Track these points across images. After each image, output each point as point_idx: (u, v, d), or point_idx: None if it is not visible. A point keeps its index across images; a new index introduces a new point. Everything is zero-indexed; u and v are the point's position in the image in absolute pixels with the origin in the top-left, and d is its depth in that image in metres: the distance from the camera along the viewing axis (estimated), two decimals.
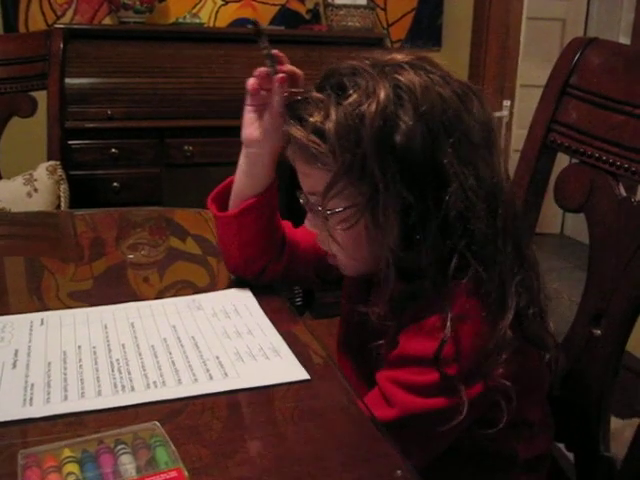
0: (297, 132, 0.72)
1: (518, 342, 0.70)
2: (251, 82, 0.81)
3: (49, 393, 0.65)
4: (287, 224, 0.95)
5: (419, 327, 0.70)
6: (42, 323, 0.80)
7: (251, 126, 0.84)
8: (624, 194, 0.85)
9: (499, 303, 0.70)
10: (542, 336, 0.76)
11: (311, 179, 0.75)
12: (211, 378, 0.68)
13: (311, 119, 0.70)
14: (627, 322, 0.82)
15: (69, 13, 2.51)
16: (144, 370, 0.69)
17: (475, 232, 0.69)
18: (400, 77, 0.69)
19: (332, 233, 0.75)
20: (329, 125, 0.69)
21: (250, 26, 0.82)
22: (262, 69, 0.80)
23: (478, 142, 0.71)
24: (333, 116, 0.69)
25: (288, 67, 0.81)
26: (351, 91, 0.69)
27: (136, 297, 0.90)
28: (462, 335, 0.68)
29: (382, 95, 0.68)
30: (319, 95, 0.71)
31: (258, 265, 0.90)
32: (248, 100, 0.84)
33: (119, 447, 0.54)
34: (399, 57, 0.72)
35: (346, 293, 0.90)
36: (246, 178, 0.87)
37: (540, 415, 0.81)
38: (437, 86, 0.70)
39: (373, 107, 0.67)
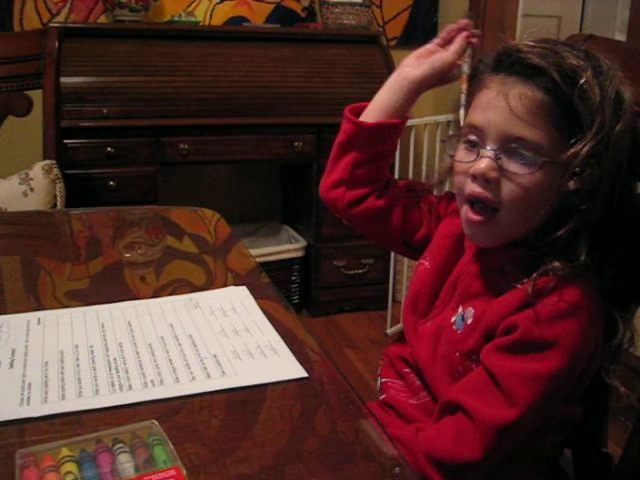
0: (559, 81, 0.70)
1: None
2: (465, 34, 0.91)
3: (46, 392, 0.65)
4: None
5: (542, 311, 0.70)
6: (39, 322, 0.80)
7: (428, 50, 0.88)
8: None
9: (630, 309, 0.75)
10: None
11: (533, 129, 0.71)
12: (209, 376, 0.68)
13: (581, 79, 0.69)
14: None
15: (64, 12, 2.50)
16: (142, 369, 0.69)
17: (628, 239, 0.73)
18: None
19: (524, 180, 0.71)
20: (595, 91, 0.69)
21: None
22: (472, 29, 0.91)
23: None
24: (597, 84, 0.69)
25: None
26: (608, 74, 0.71)
27: (133, 296, 0.89)
28: (579, 323, 0.70)
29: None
30: (582, 62, 0.71)
31: (358, 192, 0.90)
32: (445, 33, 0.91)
33: (117, 446, 0.54)
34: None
35: (433, 256, 0.88)
36: (393, 95, 0.88)
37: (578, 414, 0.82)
38: None
39: (630, 93, 0.71)
